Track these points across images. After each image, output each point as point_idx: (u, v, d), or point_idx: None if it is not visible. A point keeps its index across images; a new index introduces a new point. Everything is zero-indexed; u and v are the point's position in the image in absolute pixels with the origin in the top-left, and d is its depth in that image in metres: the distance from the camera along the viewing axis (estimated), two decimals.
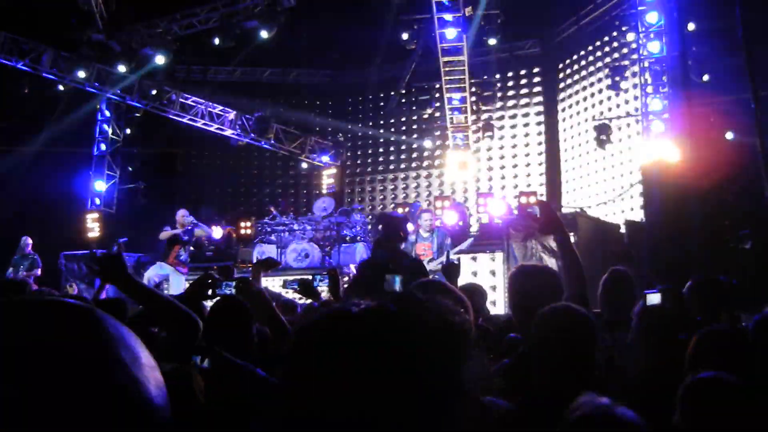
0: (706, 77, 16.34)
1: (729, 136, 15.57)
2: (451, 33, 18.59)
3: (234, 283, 5.16)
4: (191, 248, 16.42)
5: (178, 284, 15.25)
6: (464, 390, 1.35)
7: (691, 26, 16.06)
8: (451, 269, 6.47)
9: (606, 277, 5.82)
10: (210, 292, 5.20)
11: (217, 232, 18.15)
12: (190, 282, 7.83)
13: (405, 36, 19.59)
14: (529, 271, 4.73)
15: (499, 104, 22.37)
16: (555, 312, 3.58)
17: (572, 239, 12.02)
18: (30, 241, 16.53)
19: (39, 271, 16.44)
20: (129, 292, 3.98)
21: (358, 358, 1.29)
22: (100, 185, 22.77)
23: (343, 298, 3.04)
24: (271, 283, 13.84)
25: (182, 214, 16.20)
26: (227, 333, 4.31)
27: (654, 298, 5.24)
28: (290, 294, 8.69)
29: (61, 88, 19.87)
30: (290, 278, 6.69)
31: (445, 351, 1.35)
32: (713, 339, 3.92)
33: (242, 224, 19.77)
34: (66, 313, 1.08)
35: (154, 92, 20.88)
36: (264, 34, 18.64)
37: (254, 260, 17.72)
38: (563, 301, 3.93)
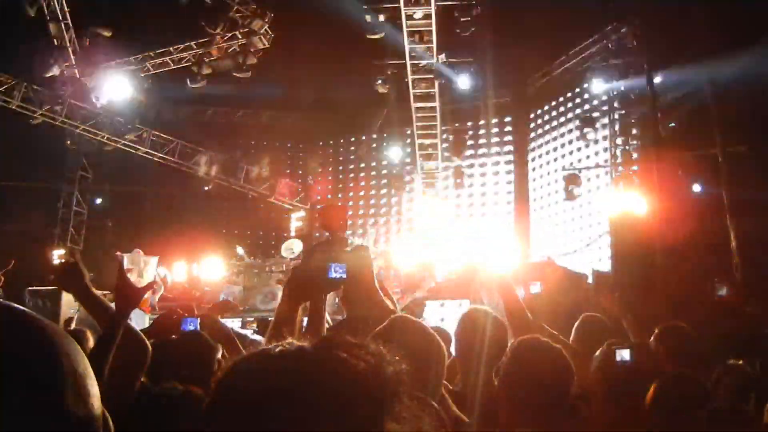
0: (672, 125, 16.54)
1: (696, 189, 15.76)
2: (423, 80, 18.73)
3: (198, 320, 5.12)
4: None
5: (140, 322, 15.13)
6: None
7: (658, 81, 16.28)
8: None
9: (579, 323, 5.79)
10: (175, 327, 5.16)
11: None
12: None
13: (378, 81, 19.66)
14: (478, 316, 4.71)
15: (469, 152, 22.49)
16: (531, 345, 3.57)
17: (539, 288, 12.03)
18: None
19: None
20: (85, 302, 3.92)
21: (268, 400, 1.26)
22: (68, 221, 22.58)
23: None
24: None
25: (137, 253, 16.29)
26: (192, 366, 4.27)
27: (624, 354, 5.26)
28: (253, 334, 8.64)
29: (32, 122, 19.72)
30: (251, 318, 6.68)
31: (362, 401, 1.29)
32: (672, 385, 3.93)
33: (209, 263, 19.68)
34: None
35: (125, 129, 20.79)
36: (237, 74, 18.67)
37: (220, 299, 17.67)
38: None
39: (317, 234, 23.75)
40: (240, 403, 1.28)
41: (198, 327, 4.98)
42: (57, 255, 21.57)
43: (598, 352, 4.47)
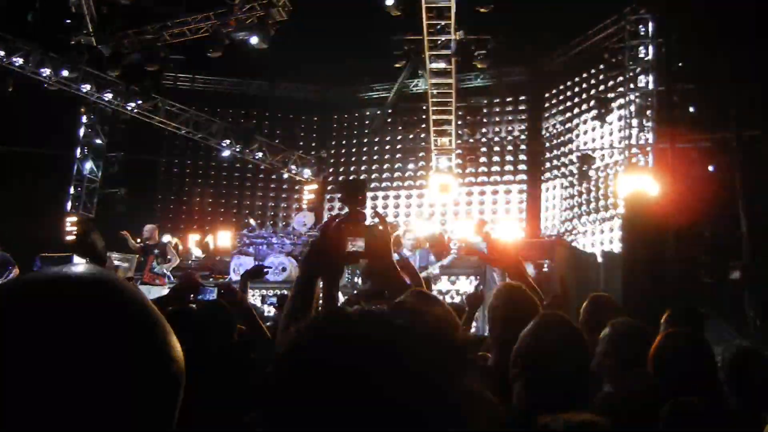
0: (691, 109, 16.49)
1: (709, 170, 15.74)
2: (440, 56, 18.67)
3: (216, 289, 5.19)
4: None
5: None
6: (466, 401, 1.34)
7: (676, 63, 16.22)
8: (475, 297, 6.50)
9: (588, 303, 5.79)
10: (192, 296, 5.22)
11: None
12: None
13: (395, 56, 19.60)
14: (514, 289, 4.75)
15: (484, 129, 22.48)
16: (549, 322, 3.60)
17: (548, 266, 12.08)
18: None
19: (16, 270, 16.02)
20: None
21: (355, 359, 1.24)
22: (81, 188, 22.67)
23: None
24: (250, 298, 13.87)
25: (152, 229, 16.35)
26: (211, 335, 4.33)
27: None
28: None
29: (46, 88, 19.72)
30: (270, 293, 6.74)
31: (450, 358, 1.32)
32: (675, 342, 3.97)
33: (221, 234, 19.78)
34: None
35: (140, 98, 20.80)
36: (254, 45, 18.62)
37: (231, 271, 17.77)
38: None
39: (329, 206, 23.84)
40: (329, 366, 1.24)
41: (216, 296, 5.06)
42: (70, 222, 21.74)
43: (605, 330, 4.52)
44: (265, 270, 7.34)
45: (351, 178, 21.88)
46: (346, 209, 2.60)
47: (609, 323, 4.50)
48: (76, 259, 18.24)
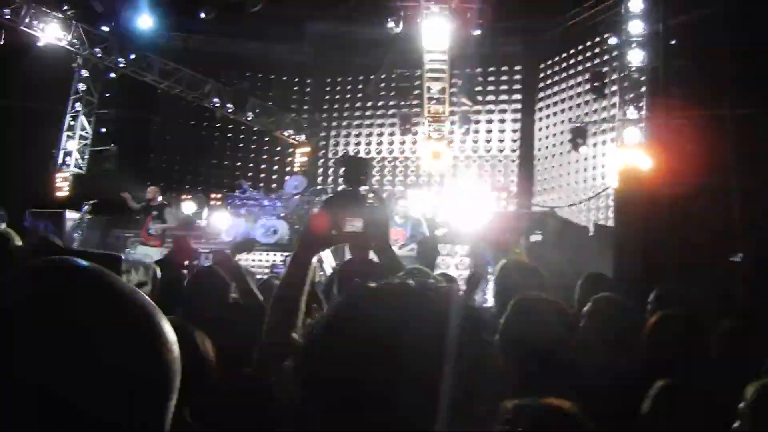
0: (682, 88, 16.47)
1: (702, 147, 15.76)
2: (435, 23, 18.55)
3: (211, 256, 5.20)
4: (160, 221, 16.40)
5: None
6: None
7: (669, 39, 16.17)
8: (429, 253, 6.55)
9: (584, 280, 5.83)
10: (187, 261, 5.24)
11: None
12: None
13: (390, 22, 19.49)
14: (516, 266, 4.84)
15: (478, 98, 22.45)
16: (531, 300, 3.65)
17: (539, 237, 12.12)
18: None
19: (3, 225, 16.06)
20: None
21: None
22: (72, 145, 22.56)
23: None
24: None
25: (154, 190, 16.54)
26: (205, 299, 4.35)
27: None
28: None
29: (38, 43, 19.55)
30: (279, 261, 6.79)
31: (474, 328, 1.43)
32: (671, 321, 4.00)
33: (212, 195, 19.75)
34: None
35: (133, 55, 20.66)
36: (249, 7, 18.51)
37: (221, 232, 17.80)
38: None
39: (321, 169, 23.82)
40: (368, 337, 1.34)
41: (211, 262, 5.07)
42: (60, 177, 21.67)
43: (587, 306, 4.55)
44: (253, 242, 7.39)
45: (355, 155, 21.78)
46: (346, 187, 2.60)
47: (591, 299, 4.55)
48: (69, 213, 18.29)
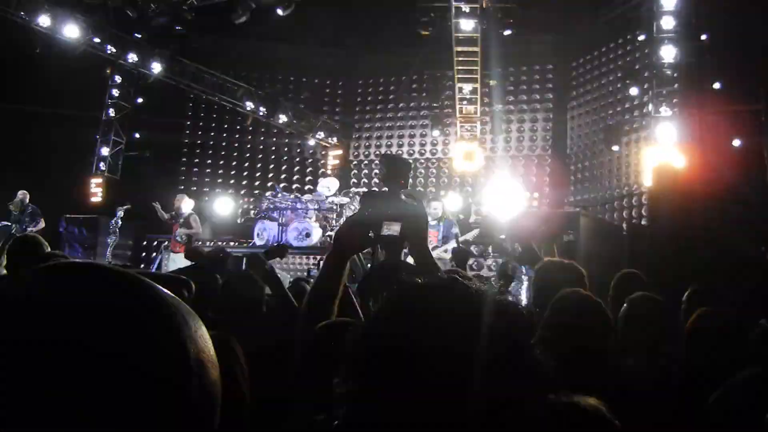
0: (717, 85, 16.34)
1: (736, 143, 15.63)
2: (466, 23, 18.52)
3: (245, 259, 5.23)
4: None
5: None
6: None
7: (703, 34, 16.06)
8: (461, 255, 6.56)
9: (618, 278, 5.81)
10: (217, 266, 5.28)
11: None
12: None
13: (421, 23, 19.47)
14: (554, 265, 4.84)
15: (510, 98, 22.41)
16: (573, 297, 3.65)
17: (572, 237, 12.06)
18: (27, 194, 16.55)
19: (42, 222, 16.45)
20: None
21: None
22: (106, 151, 22.77)
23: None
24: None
25: (180, 198, 16.77)
26: (239, 303, 4.38)
27: None
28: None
29: (73, 50, 19.69)
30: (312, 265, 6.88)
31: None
32: (712, 318, 3.98)
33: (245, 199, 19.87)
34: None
35: (166, 61, 20.80)
36: (280, 11, 18.56)
37: (254, 236, 17.89)
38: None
39: (354, 171, 23.86)
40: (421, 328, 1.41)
41: (245, 267, 5.10)
42: (94, 183, 21.89)
43: (623, 307, 4.54)
44: (287, 248, 7.43)
45: (396, 155, 21.81)
46: (385, 188, 2.58)
47: (627, 299, 4.54)
48: (102, 219, 18.48)
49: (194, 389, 0.97)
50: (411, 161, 21.69)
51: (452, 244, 13.32)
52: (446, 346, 1.38)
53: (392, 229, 2.59)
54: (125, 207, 17.98)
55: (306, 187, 23.34)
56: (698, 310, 4.13)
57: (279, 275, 6.26)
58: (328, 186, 19.20)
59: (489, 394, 1.36)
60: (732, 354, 3.86)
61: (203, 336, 1.03)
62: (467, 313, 1.43)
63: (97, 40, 19.42)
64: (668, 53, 16.53)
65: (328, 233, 17.35)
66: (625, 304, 4.59)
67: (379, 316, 1.54)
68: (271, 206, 18.52)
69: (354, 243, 2.77)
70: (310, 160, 24.66)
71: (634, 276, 5.84)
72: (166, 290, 1.03)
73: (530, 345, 1.49)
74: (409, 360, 1.37)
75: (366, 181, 23.63)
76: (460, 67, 19.80)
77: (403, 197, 2.70)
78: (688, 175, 12.32)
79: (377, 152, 23.77)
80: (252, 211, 19.59)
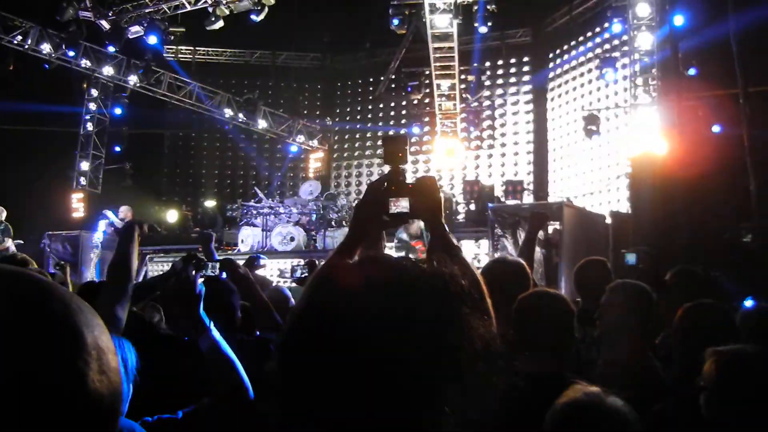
0: (692, 71, 16.33)
1: (715, 129, 15.62)
2: (441, 20, 18.46)
3: (219, 265, 5.14)
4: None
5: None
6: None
7: (679, 20, 16.02)
8: None
9: (580, 266, 5.74)
10: (194, 272, 5.18)
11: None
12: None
13: (396, 21, 19.40)
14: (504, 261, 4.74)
15: (488, 92, 22.40)
16: (537, 296, 3.62)
17: (557, 228, 12.03)
18: (3, 210, 16.08)
19: (9, 242, 15.78)
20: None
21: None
22: (86, 165, 22.66)
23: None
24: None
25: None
26: (212, 311, 4.29)
27: (630, 258, 5.17)
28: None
29: (46, 66, 19.59)
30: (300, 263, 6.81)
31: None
32: (699, 312, 3.93)
33: (228, 206, 19.78)
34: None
35: (142, 72, 20.70)
36: (254, 16, 18.47)
37: (238, 242, 17.80)
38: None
39: (336, 173, 23.83)
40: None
41: (218, 271, 5.01)
42: (76, 198, 21.75)
43: (605, 294, 4.48)
44: (260, 261, 7.36)
45: (391, 133, 21.70)
46: (388, 168, 2.49)
47: (607, 288, 4.47)
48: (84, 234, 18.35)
49: (94, 375, 0.98)
50: (406, 135, 21.63)
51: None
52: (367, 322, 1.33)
53: (401, 205, 2.50)
54: (108, 220, 17.86)
55: (288, 192, 23.29)
56: (684, 304, 4.04)
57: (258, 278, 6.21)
58: (310, 189, 19.14)
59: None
60: (722, 343, 3.80)
61: (99, 325, 1.04)
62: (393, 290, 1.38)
63: (71, 53, 19.31)
64: (644, 40, 16.53)
65: (313, 237, 17.34)
66: (605, 294, 4.52)
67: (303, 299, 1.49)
68: (254, 212, 18.44)
69: (365, 225, 2.68)
70: (290, 165, 24.61)
71: (598, 263, 5.75)
72: (61, 286, 1.05)
73: (460, 315, 1.41)
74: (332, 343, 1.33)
75: (347, 183, 23.59)
76: (437, 64, 19.75)
77: (405, 173, 2.62)
78: (668, 161, 12.31)
79: (358, 153, 23.74)
80: (237, 217, 19.45)
